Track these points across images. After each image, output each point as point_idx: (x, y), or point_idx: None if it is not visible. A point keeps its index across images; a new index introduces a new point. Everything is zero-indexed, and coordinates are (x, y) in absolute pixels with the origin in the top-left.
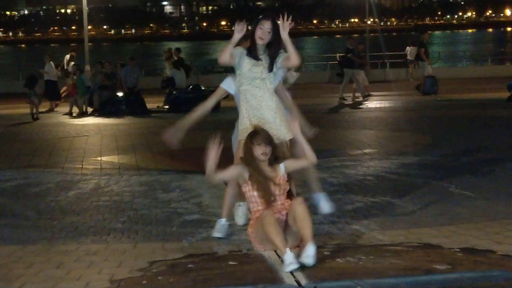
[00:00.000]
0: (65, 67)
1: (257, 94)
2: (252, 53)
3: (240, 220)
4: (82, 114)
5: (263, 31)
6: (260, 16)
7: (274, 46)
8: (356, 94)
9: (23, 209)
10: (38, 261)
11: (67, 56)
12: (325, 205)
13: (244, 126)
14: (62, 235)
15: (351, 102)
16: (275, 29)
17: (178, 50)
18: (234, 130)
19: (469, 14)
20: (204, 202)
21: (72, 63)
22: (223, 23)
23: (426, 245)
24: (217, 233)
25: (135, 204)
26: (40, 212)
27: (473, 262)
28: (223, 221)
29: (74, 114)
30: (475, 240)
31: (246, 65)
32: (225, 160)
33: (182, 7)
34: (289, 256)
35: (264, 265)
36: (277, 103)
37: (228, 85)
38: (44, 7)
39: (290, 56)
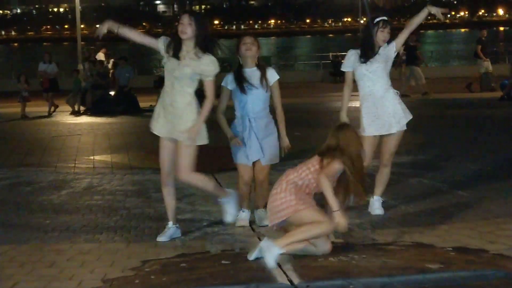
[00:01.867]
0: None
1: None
2: (174, 51)
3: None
4: (75, 113)
5: (183, 26)
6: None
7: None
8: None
9: (16, 208)
10: (31, 261)
11: (101, 54)
12: (377, 210)
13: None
14: (55, 234)
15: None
16: (198, 25)
17: None
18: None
19: (461, 13)
20: (196, 201)
21: (112, 60)
22: (216, 22)
23: (419, 244)
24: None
25: (128, 203)
26: (32, 211)
27: (465, 261)
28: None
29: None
30: (467, 239)
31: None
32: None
33: (175, 6)
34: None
35: (256, 264)
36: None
37: (226, 81)
38: (37, 6)
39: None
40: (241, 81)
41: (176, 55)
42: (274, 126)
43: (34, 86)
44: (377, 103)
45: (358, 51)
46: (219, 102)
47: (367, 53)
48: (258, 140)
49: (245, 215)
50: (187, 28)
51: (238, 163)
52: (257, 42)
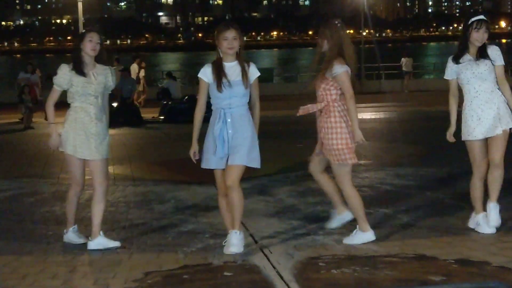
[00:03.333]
0: (137, 75)
1: (91, 111)
2: (78, 70)
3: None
4: None
5: (93, 43)
6: (86, 30)
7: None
8: None
9: (18, 219)
10: (33, 272)
11: (135, 66)
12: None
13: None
14: (57, 246)
15: None
16: (101, 43)
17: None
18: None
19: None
20: (199, 213)
21: (142, 70)
22: None
23: (421, 256)
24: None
25: (130, 215)
26: (35, 222)
27: (468, 273)
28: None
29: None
30: (470, 252)
31: (78, 82)
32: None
33: (178, 18)
34: None
35: (259, 276)
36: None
37: (204, 73)
38: (39, 17)
39: None
40: (220, 76)
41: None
42: (253, 126)
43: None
44: (482, 106)
45: (455, 60)
46: (198, 98)
47: (462, 54)
48: (228, 136)
49: (235, 240)
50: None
51: (211, 169)
52: (239, 35)
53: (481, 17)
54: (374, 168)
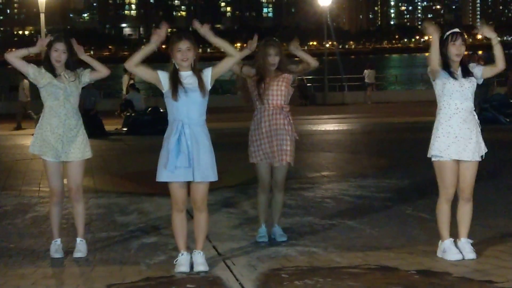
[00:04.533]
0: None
1: (61, 112)
2: (47, 68)
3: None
4: None
5: (58, 53)
6: (51, 39)
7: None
8: None
9: None
10: None
11: (126, 77)
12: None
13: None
14: (19, 259)
15: None
16: (70, 49)
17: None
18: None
19: (426, 38)
20: (162, 225)
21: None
22: None
23: (384, 267)
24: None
25: (93, 227)
26: None
27: (429, 284)
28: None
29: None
30: (431, 262)
31: (46, 78)
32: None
33: (141, 29)
34: None
35: None
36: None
37: (162, 74)
38: (1, 29)
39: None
40: (176, 84)
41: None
42: (209, 141)
43: None
44: (461, 124)
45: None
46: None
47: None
48: (188, 148)
49: (184, 259)
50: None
51: (168, 182)
52: (194, 46)
53: (456, 30)
54: (337, 180)
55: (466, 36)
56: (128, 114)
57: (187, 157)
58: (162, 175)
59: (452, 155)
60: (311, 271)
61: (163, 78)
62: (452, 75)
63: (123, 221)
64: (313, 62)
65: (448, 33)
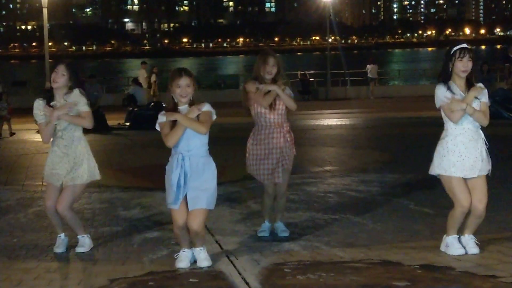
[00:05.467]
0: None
1: (60, 143)
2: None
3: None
4: None
5: (56, 75)
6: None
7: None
8: None
9: None
10: None
11: (143, 71)
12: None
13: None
14: (22, 253)
15: None
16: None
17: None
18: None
19: (429, 32)
20: (164, 219)
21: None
22: (184, 40)
23: (386, 262)
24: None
25: (96, 222)
26: None
27: (432, 278)
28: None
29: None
30: (434, 257)
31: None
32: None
33: (144, 24)
34: None
35: (225, 283)
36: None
37: (161, 120)
38: (4, 23)
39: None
40: (174, 120)
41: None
42: (213, 169)
43: None
44: (466, 143)
45: (445, 85)
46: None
47: (448, 86)
48: (184, 180)
49: (185, 255)
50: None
51: (169, 208)
52: (193, 82)
53: (464, 45)
54: (340, 174)
55: (470, 32)
56: (131, 109)
57: (183, 190)
58: (168, 203)
59: (458, 173)
60: (314, 266)
61: (164, 120)
62: (455, 94)
63: (126, 216)
64: (292, 107)
65: (455, 48)
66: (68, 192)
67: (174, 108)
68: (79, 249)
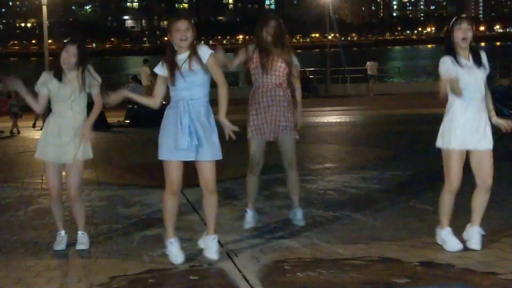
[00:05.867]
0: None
1: (68, 114)
2: (55, 74)
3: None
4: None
5: (66, 56)
6: (66, 41)
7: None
8: None
9: None
10: None
11: (145, 68)
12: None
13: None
14: (22, 251)
15: None
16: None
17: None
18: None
19: (428, 29)
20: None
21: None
22: None
23: (386, 259)
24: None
25: (96, 219)
26: None
27: (432, 276)
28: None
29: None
30: (434, 254)
31: (54, 86)
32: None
33: (143, 21)
34: None
35: (225, 280)
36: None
37: (159, 67)
38: (3, 21)
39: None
40: (173, 69)
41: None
42: (214, 120)
43: None
44: (475, 115)
45: (450, 56)
46: (155, 90)
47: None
48: (193, 123)
49: (176, 248)
50: None
51: (165, 162)
52: (192, 26)
53: (462, 15)
54: (340, 172)
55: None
56: (130, 106)
57: (195, 136)
58: (166, 155)
59: (468, 145)
60: (313, 263)
61: (162, 68)
62: (462, 66)
63: (125, 213)
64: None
65: (454, 18)
66: (76, 171)
67: (172, 56)
68: (79, 246)
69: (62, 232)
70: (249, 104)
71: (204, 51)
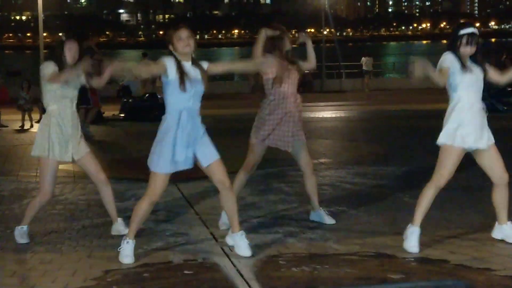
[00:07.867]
0: None
1: (68, 112)
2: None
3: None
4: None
5: (71, 53)
6: (65, 39)
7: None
8: None
9: None
10: None
11: (146, 61)
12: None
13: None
14: (16, 243)
15: None
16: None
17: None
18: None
19: (424, 25)
20: (159, 211)
21: None
22: None
23: (381, 254)
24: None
25: (90, 213)
26: None
27: (426, 271)
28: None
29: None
30: (428, 250)
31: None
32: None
33: (139, 15)
34: None
35: (219, 274)
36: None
37: (169, 63)
38: None
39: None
40: (182, 75)
41: None
42: (204, 129)
43: None
44: (475, 114)
45: (453, 54)
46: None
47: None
48: (190, 137)
49: (131, 248)
50: None
51: (158, 172)
52: (191, 34)
53: (473, 30)
54: (335, 167)
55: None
56: (125, 100)
57: (190, 148)
58: (162, 168)
59: (470, 143)
60: (308, 258)
61: (170, 65)
62: (466, 69)
63: (120, 207)
64: (313, 62)
65: (463, 32)
66: (92, 158)
67: (180, 65)
68: (124, 231)
69: (25, 227)
70: (263, 112)
71: (205, 64)
